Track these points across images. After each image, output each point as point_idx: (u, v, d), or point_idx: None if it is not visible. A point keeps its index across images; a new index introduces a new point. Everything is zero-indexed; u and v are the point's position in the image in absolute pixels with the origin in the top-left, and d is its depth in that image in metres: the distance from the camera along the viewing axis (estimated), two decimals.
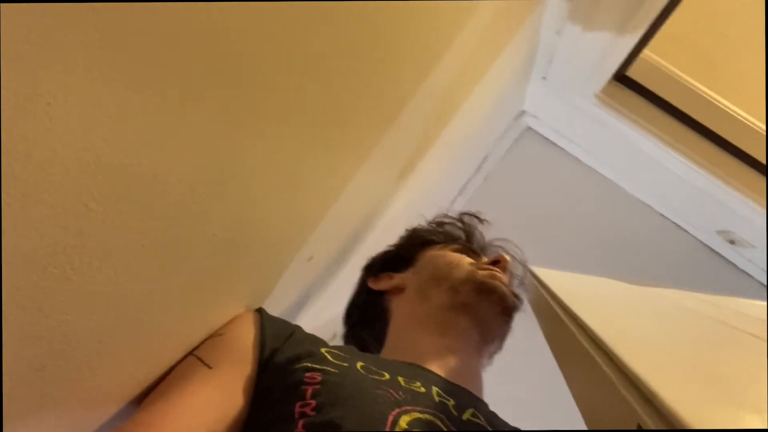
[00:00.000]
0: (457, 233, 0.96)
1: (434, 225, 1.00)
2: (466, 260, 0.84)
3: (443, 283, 0.79)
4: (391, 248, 0.97)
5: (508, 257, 0.86)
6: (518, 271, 0.90)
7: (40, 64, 0.24)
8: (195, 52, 0.31)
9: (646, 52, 1.30)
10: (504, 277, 0.80)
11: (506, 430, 0.61)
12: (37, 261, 0.29)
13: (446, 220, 1.00)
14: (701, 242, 1.85)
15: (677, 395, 0.24)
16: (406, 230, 1.01)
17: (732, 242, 1.69)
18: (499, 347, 0.84)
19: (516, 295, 0.80)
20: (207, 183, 0.40)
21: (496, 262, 0.84)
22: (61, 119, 0.26)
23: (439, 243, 0.91)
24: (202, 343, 0.57)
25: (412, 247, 0.93)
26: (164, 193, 0.36)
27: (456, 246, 0.90)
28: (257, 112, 0.41)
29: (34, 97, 0.24)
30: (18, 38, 0.22)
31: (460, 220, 1.00)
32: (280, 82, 0.42)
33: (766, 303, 0.97)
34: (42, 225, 0.28)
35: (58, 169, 0.27)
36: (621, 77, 1.35)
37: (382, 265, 0.93)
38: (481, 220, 1.01)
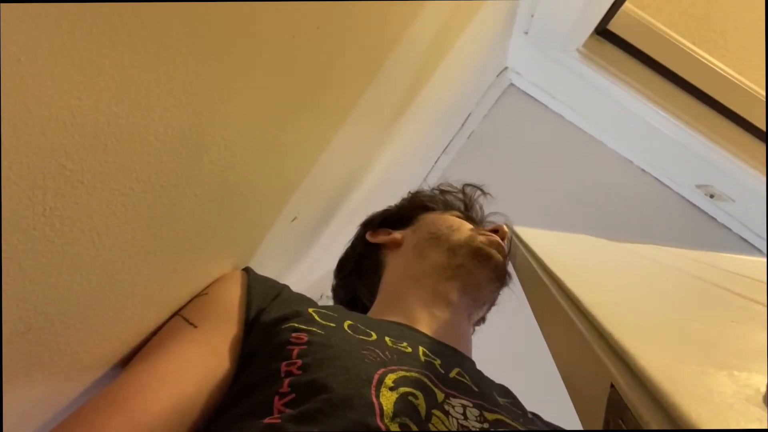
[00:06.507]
0: (457, 203, 0.98)
1: (437, 191, 1.02)
2: (467, 225, 0.85)
3: (442, 244, 0.80)
4: (392, 207, 0.98)
5: (506, 229, 0.87)
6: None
7: (7, 19, 0.23)
8: (173, 6, 0.31)
9: (629, 6, 1.29)
10: (502, 244, 0.82)
11: (491, 386, 0.62)
12: (17, 222, 0.29)
13: (449, 188, 1.02)
14: (681, 196, 1.87)
15: (648, 353, 0.25)
16: (408, 193, 1.02)
17: (711, 196, 1.72)
18: (484, 317, 0.86)
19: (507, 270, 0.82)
20: (187, 143, 0.40)
21: (495, 231, 0.86)
22: (33, 77, 0.25)
23: (438, 210, 0.93)
24: (188, 303, 0.58)
25: (412, 208, 0.94)
26: (143, 153, 0.35)
27: (456, 213, 0.91)
28: (237, 73, 0.41)
29: (2, 55, 0.23)
30: None
31: (462, 191, 1.01)
32: (260, 43, 0.41)
33: (747, 258, 0.99)
34: (19, 186, 0.28)
35: (32, 128, 0.26)
36: (603, 32, 1.34)
37: (382, 221, 0.95)
38: (483, 193, 1.02)
